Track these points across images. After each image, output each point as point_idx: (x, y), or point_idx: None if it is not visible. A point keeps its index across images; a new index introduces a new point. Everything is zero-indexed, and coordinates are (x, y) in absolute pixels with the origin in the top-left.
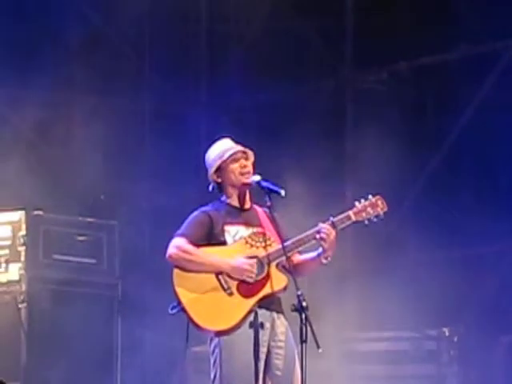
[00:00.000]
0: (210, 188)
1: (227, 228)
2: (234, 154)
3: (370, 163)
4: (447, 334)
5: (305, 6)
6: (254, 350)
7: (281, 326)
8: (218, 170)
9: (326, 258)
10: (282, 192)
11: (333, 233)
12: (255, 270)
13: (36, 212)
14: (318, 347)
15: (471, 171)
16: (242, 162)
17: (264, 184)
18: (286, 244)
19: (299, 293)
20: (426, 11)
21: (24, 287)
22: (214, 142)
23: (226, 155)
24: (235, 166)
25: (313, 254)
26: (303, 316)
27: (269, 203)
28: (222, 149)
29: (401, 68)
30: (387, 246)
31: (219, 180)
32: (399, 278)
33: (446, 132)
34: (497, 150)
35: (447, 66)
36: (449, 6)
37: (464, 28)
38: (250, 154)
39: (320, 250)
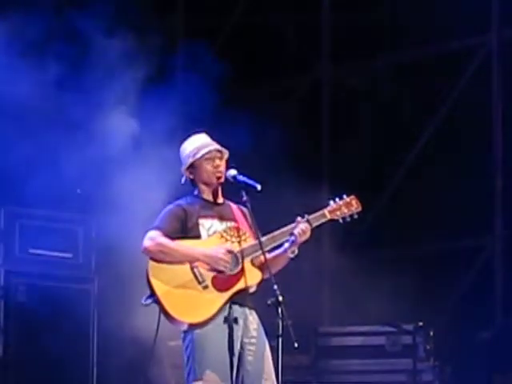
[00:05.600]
0: (182, 180)
1: (201, 221)
2: (208, 153)
3: (347, 159)
4: (423, 328)
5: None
6: (229, 346)
7: (253, 322)
8: (191, 166)
9: (293, 252)
10: (258, 186)
11: (309, 230)
12: (230, 260)
13: (12, 206)
14: (294, 342)
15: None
16: (216, 161)
17: (240, 178)
18: (261, 240)
19: (275, 287)
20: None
21: (0, 281)
22: (190, 135)
23: (200, 154)
24: (208, 166)
25: (280, 250)
26: (279, 311)
27: (245, 198)
28: (196, 146)
29: (377, 64)
30: (363, 241)
31: (191, 176)
32: (375, 273)
33: (422, 128)
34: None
35: (424, 62)
36: (424, 2)
37: (439, 25)
38: (225, 152)
39: (286, 245)
